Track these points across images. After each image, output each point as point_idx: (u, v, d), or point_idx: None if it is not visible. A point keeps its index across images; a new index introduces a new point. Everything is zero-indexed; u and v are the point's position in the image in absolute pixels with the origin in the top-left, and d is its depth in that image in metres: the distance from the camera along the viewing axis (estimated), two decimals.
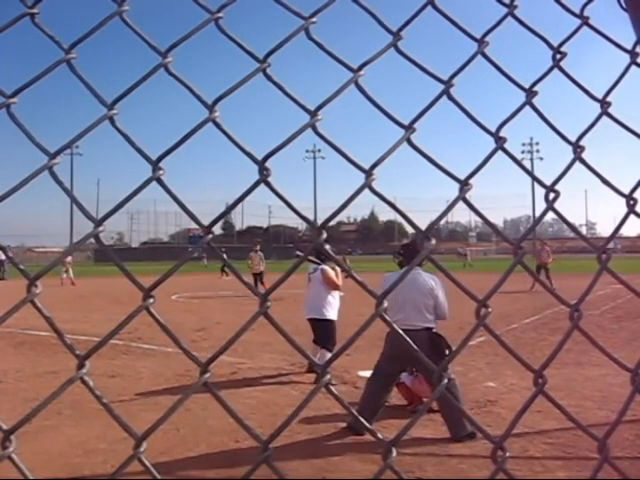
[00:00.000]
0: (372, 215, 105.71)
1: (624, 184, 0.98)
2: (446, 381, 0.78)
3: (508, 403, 5.36)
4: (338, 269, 7.05)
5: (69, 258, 22.95)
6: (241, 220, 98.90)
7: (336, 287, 6.82)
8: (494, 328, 0.86)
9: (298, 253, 7.76)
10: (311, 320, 6.82)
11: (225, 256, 0.80)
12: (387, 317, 0.76)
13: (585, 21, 1.01)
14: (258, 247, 18.55)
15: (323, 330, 6.73)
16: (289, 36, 0.81)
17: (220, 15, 0.81)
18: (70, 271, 24.59)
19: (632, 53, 1.02)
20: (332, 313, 6.78)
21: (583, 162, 0.96)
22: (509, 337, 8.87)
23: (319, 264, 6.93)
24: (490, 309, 0.82)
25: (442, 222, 1.17)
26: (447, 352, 4.63)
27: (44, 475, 3.71)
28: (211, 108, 0.77)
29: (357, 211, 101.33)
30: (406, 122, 0.84)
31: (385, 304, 0.75)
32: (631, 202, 0.97)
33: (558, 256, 19.42)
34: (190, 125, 0.76)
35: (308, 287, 7.14)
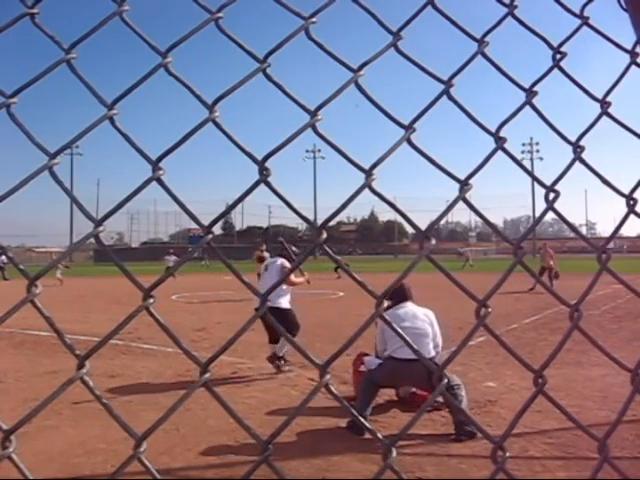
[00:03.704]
0: (372, 215, 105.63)
1: (624, 184, 0.98)
2: (446, 381, 0.79)
3: (508, 403, 5.35)
4: (300, 268, 7.39)
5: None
6: (241, 220, 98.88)
7: (291, 284, 7.10)
8: (494, 328, 0.86)
9: (280, 240, 7.91)
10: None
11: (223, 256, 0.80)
12: (386, 317, 0.76)
13: (585, 21, 1.01)
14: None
15: (284, 320, 6.60)
16: (289, 36, 0.81)
17: (220, 15, 0.81)
18: (58, 272, 24.09)
19: (632, 53, 1.02)
20: (286, 302, 6.96)
21: (583, 162, 0.96)
22: (509, 337, 8.86)
23: (280, 255, 7.32)
24: (490, 309, 0.82)
25: (442, 222, 1.17)
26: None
27: (44, 475, 3.71)
28: (211, 108, 0.77)
29: (357, 211, 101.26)
30: (406, 122, 0.84)
31: (385, 304, 0.75)
32: (631, 202, 0.97)
33: (558, 256, 19.40)
34: (190, 125, 0.76)
35: (263, 276, 7.43)
